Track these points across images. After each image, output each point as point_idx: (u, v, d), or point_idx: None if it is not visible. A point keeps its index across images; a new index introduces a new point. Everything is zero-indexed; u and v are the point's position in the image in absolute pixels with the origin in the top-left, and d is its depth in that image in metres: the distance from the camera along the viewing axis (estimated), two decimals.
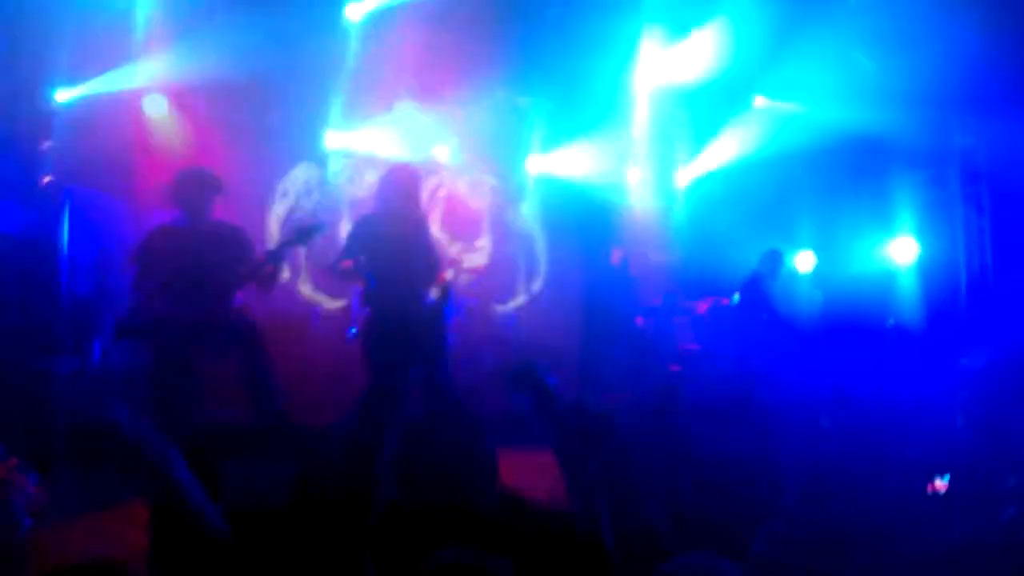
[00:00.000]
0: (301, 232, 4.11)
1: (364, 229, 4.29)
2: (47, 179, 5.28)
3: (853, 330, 5.44)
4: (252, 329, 4.09)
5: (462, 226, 8.01)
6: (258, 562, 1.90)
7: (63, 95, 5.80)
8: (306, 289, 7.29)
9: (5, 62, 5.44)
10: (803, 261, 8.63)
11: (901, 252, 7.89)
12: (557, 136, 8.21)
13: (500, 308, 8.03)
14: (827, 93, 7.59)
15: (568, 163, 8.31)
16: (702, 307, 7.91)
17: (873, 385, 3.24)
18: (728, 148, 8.54)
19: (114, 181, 5.50)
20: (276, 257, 4.06)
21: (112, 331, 4.32)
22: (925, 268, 7.61)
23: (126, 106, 6.20)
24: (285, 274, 6.99)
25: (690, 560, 1.61)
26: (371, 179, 7.71)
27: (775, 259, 6.78)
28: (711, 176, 8.69)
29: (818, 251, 8.54)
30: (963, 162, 7.55)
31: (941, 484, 2.51)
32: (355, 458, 2.13)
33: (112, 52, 5.89)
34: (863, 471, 2.30)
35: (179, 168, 4.35)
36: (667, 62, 8.08)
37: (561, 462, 2.00)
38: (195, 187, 4.12)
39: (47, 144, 5.44)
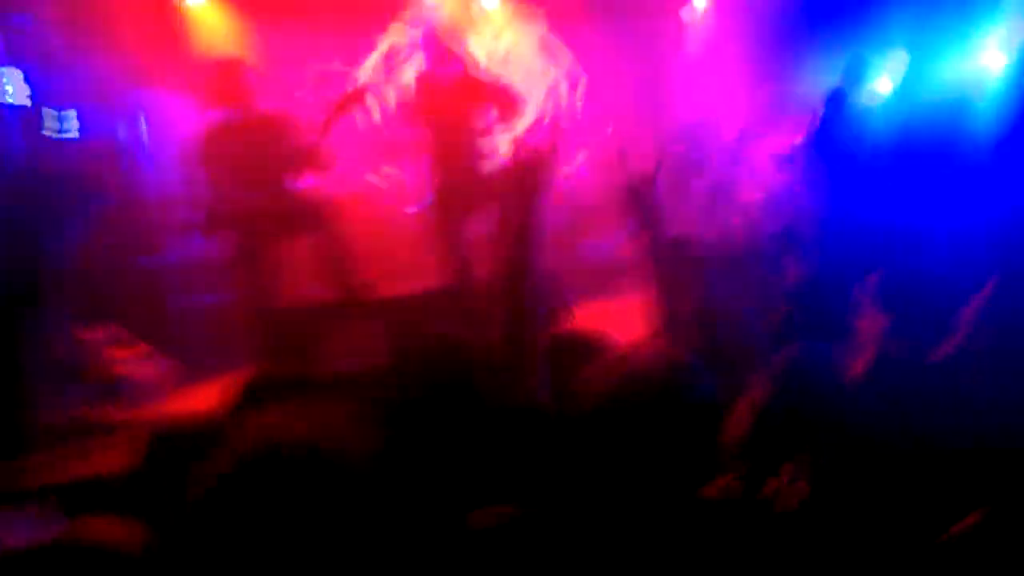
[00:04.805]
0: (337, 107, 4.17)
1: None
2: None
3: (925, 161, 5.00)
4: (318, 208, 4.26)
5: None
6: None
7: None
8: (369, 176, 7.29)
9: None
10: (881, 83, 7.94)
11: (995, 56, 7.11)
12: None
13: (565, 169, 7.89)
14: None
15: None
16: (768, 147, 7.41)
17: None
18: None
19: (173, 77, 5.58)
20: (321, 136, 4.16)
21: (194, 229, 4.58)
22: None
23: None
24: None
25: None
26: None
27: (859, 66, 5.92)
28: None
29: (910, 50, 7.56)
30: None
31: None
32: None
33: None
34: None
35: (210, 64, 4.40)
36: None
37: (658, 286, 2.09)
38: (229, 78, 4.19)
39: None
